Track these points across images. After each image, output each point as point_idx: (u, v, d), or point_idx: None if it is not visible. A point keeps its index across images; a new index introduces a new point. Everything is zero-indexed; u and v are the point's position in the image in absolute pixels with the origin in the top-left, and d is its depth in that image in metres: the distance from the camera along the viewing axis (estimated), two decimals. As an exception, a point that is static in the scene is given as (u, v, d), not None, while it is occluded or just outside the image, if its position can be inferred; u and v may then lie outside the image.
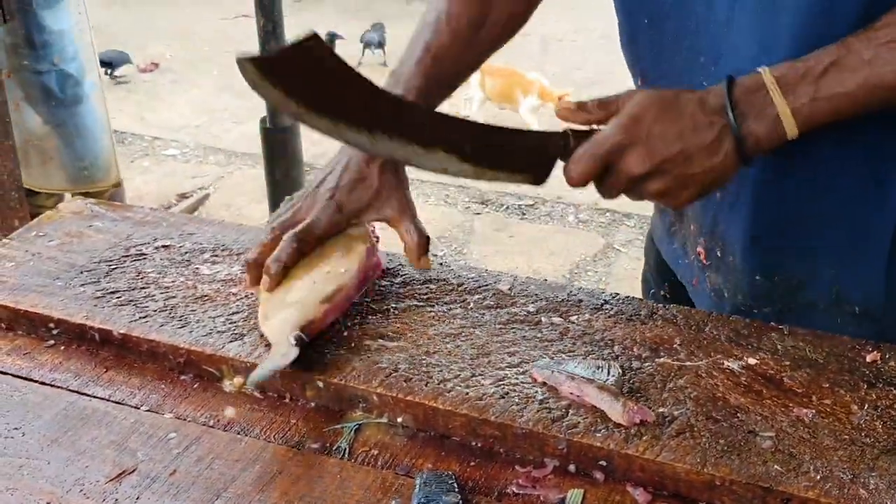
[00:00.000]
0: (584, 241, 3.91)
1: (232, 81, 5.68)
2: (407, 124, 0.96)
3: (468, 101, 5.08)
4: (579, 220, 4.09)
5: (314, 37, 0.90)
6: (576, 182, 0.99)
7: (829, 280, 1.09)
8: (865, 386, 0.98)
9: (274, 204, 3.52)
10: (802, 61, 0.94)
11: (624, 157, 0.96)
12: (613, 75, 5.97)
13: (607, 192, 1.00)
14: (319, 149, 4.85)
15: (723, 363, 1.02)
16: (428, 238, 1.12)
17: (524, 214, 4.19)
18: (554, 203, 4.23)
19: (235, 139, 4.98)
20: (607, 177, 0.98)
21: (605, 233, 3.99)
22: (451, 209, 4.24)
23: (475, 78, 4.93)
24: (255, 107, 4.90)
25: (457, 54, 1.19)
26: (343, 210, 1.12)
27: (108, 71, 5.52)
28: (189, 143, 5.02)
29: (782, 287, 1.12)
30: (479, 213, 4.19)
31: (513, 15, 1.23)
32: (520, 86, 4.80)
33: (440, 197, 4.35)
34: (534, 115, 4.87)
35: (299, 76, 0.92)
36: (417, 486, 0.88)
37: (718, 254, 1.17)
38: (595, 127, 1.00)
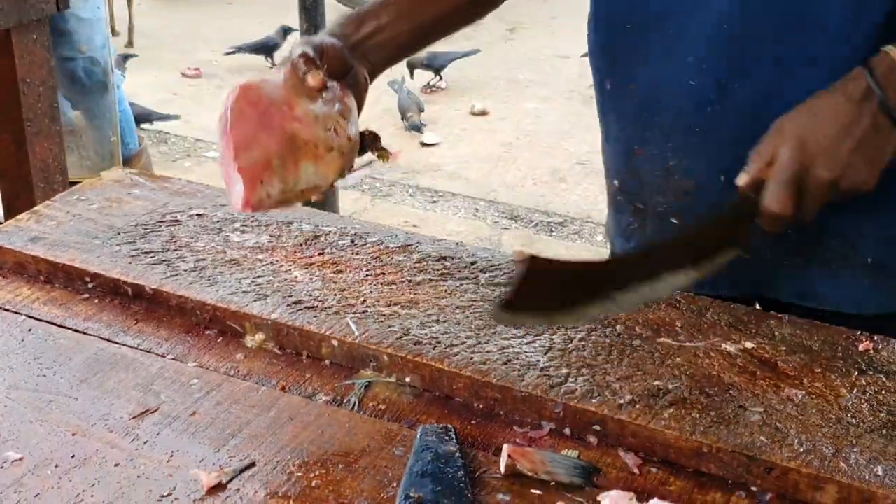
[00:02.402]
0: (610, 261, 3.93)
1: (274, 90, 5.79)
2: (631, 277, 1.02)
3: None
4: (607, 239, 4.12)
5: (529, 258, 0.96)
6: (780, 211, 1.02)
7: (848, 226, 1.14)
8: (856, 372, 1.02)
9: (306, 203, 3.58)
10: None
11: (810, 173, 1.02)
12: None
13: (808, 211, 1.04)
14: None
15: (720, 346, 1.06)
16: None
17: (552, 231, 4.23)
18: (583, 222, 4.27)
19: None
20: (803, 199, 1.03)
21: (632, 253, 4.01)
22: (479, 223, 4.29)
23: None
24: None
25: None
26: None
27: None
28: (229, 146, 5.13)
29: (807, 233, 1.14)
30: (507, 228, 4.24)
31: None
32: None
33: (469, 210, 4.41)
34: None
35: (536, 295, 0.98)
36: (419, 436, 0.93)
37: None
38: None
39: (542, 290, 0.98)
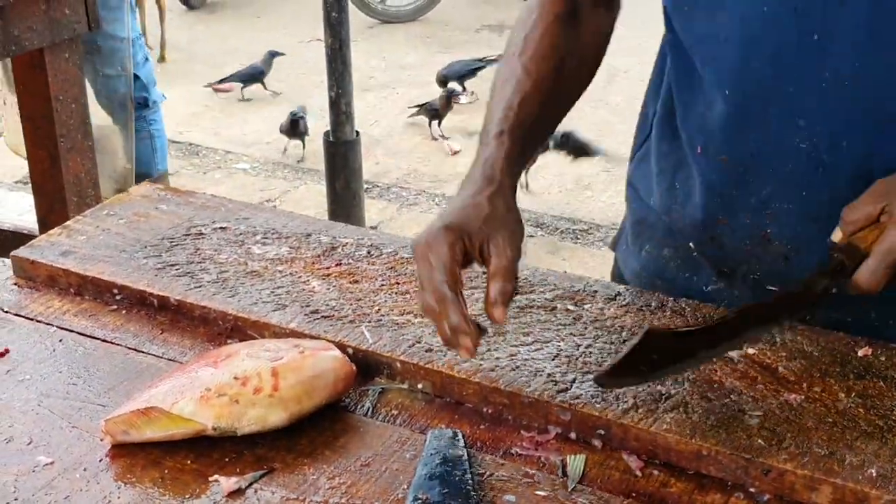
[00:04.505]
0: (636, 268, 3.95)
1: (303, 102, 5.87)
2: (724, 336, 1.03)
3: None
4: (633, 246, 4.13)
5: (648, 332, 0.97)
6: (873, 290, 1.00)
7: None
8: (854, 377, 1.04)
9: (333, 212, 3.65)
10: None
11: None
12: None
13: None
14: (382, 167, 5.00)
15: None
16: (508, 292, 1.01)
17: (577, 239, 4.26)
18: (609, 229, 4.29)
19: (303, 156, 5.15)
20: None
21: (657, 260, 4.02)
22: (506, 231, 4.33)
23: None
24: (322, 127, 5.09)
25: (541, 104, 1.14)
26: (453, 229, 1.01)
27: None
28: (259, 157, 5.21)
29: None
30: (532, 236, 4.27)
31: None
32: None
33: (497, 218, 4.45)
34: None
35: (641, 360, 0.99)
36: (428, 440, 0.97)
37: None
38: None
39: (648, 355, 0.98)
